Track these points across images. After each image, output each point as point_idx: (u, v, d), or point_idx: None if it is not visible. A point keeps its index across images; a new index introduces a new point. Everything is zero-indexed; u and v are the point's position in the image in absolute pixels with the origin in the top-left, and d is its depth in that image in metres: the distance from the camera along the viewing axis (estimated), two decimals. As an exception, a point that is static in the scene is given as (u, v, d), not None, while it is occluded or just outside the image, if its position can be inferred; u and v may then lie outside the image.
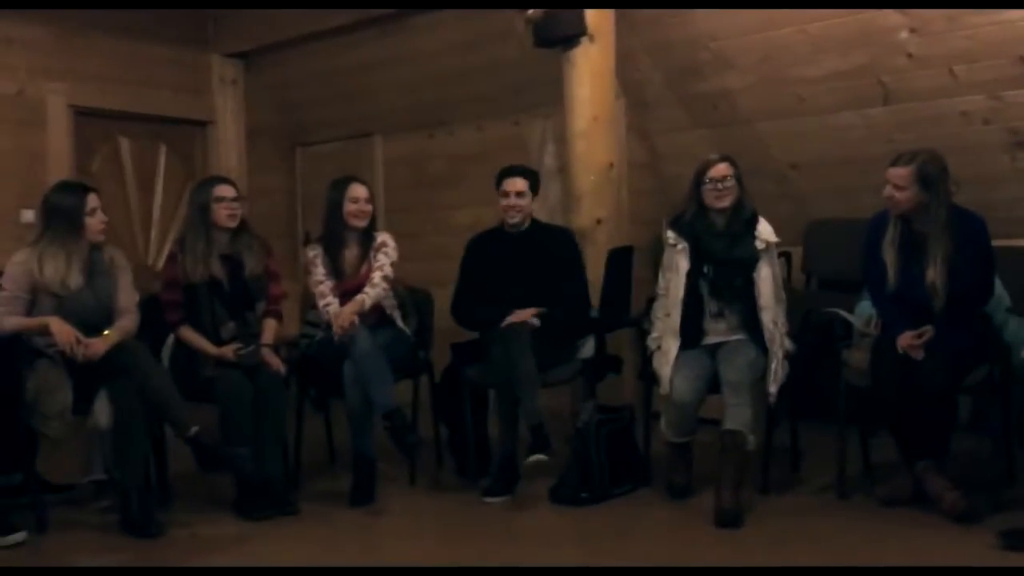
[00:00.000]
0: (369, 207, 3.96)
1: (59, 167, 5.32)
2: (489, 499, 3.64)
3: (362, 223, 3.94)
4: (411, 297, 4.17)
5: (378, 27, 5.61)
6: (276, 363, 3.72)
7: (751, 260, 3.53)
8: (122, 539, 3.31)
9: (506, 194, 3.97)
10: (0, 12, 5.12)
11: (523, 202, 3.96)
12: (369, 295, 3.81)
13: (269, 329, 3.83)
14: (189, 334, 3.72)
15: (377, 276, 3.86)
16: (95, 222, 3.55)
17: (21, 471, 3.56)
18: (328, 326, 3.79)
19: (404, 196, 5.83)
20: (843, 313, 3.63)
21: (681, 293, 3.56)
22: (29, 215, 5.00)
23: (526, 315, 3.77)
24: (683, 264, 3.59)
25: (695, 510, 3.44)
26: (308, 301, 4.28)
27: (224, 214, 3.75)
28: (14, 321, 3.40)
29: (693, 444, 3.63)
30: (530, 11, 4.36)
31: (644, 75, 4.95)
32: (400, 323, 4.02)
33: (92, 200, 3.57)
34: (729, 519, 3.23)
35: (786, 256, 4.47)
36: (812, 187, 4.75)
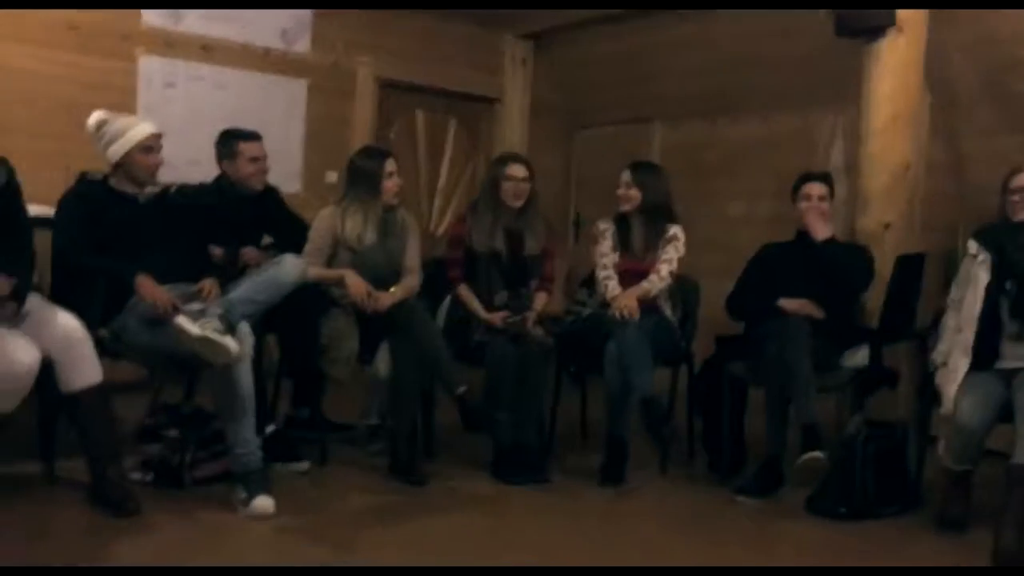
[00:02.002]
0: (631, 192, 3.96)
1: (362, 134, 5.75)
2: (742, 498, 3.56)
3: (625, 206, 3.97)
4: (679, 286, 4.14)
5: (669, 13, 5.56)
6: (540, 331, 3.83)
7: (1062, 278, 3.19)
8: (389, 481, 3.56)
9: (808, 196, 3.86)
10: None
11: (825, 205, 3.86)
12: (655, 285, 3.86)
13: (539, 301, 3.96)
14: (465, 293, 3.91)
15: (664, 269, 3.89)
16: (391, 185, 3.82)
17: (309, 407, 3.93)
18: (602, 300, 3.86)
19: (679, 184, 5.66)
20: None
21: (978, 309, 3.28)
22: (333, 176, 5.48)
23: (804, 306, 3.64)
24: (983, 277, 3.30)
25: (968, 545, 3.16)
26: (576, 280, 4.37)
27: (512, 192, 3.91)
28: (316, 271, 3.73)
29: (974, 474, 3.34)
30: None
31: (956, 72, 4.57)
32: (667, 311, 4.01)
33: (390, 164, 3.83)
34: (1009, 560, 2.94)
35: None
36: None
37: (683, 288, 4.16)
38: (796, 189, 3.93)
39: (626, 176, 3.99)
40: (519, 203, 3.93)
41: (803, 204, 3.87)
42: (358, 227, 3.79)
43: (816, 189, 3.87)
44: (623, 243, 3.98)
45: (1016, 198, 3.30)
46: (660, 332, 3.87)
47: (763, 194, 5.37)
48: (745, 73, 5.36)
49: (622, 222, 4.01)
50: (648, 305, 3.89)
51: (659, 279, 3.88)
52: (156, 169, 3.40)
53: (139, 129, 3.36)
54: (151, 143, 3.36)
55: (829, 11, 4.18)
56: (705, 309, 4.19)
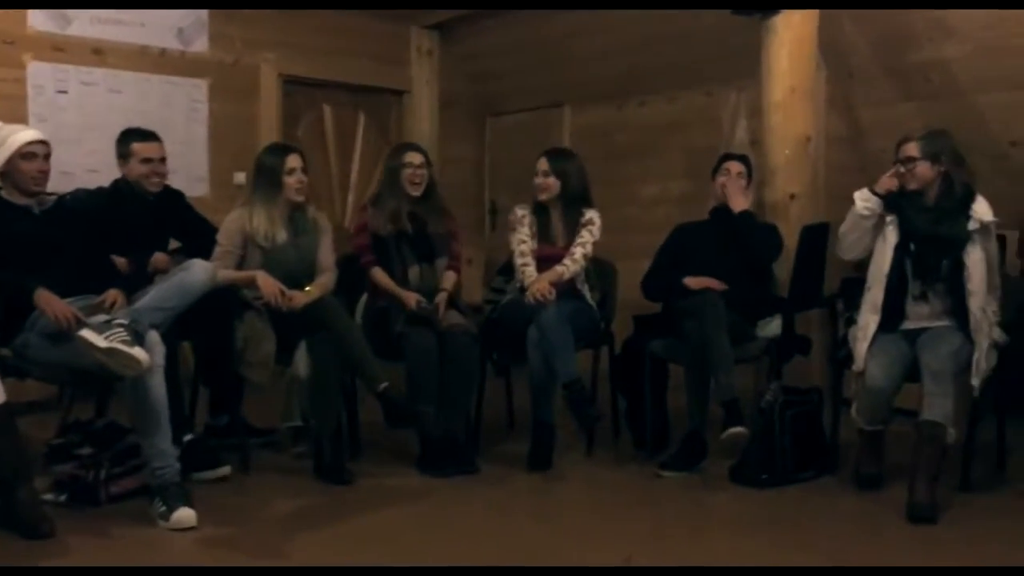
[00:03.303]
0: (549, 180, 3.96)
1: (268, 133, 5.63)
2: (666, 473, 3.61)
3: (542, 196, 3.97)
4: (596, 268, 4.17)
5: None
6: (458, 317, 3.82)
7: (960, 240, 3.30)
8: (315, 483, 3.51)
9: (727, 171, 3.95)
10: (222, -13, 5.48)
11: (743, 182, 3.96)
12: (569, 268, 3.87)
13: (448, 280, 3.96)
14: (380, 275, 3.89)
15: (578, 252, 3.91)
16: (292, 181, 3.75)
17: (228, 413, 3.85)
18: (520, 287, 3.87)
19: (591, 167, 5.68)
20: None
21: (886, 268, 3.38)
22: (241, 177, 5.36)
23: (705, 282, 3.72)
24: (891, 237, 3.40)
25: (885, 503, 3.27)
26: (493, 268, 4.37)
27: (409, 179, 3.90)
28: (226, 273, 3.64)
29: (886, 433, 3.46)
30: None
31: (850, 44, 4.70)
32: (586, 294, 4.04)
33: (291, 160, 3.77)
34: (923, 514, 3.06)
35: (1001, 240, 4.15)
36: (1034, 166, 4.38)
37: (600, 270, 4.19)
38: (716, 168, 4.00)
39: (543, 165, 3.99)
40: (418, 192, 3.93)
41: (722, 177, 3.94)
42: (265, 225, 3.72)
43: (735, 166, 3.96)
44: (541, 230, 3.99)
45: (903, 169, 3.41)
46: (580, 315, 3.90)
47: (674, 174, 5.45)
48: (649, 54, 5.42)
49: (540, 209, 4.02)
50: (568, 288, 3.91)
51: (572, 262, 3.89)
52: (42, 177, 3.27)
53: (19, 136, 3.24)
54: (33, 149, 3.23)
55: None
56: (623, 291, 4.23)
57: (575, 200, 3.99)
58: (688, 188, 5.26)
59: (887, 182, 3.42)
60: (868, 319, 3.41)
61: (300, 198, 3.80)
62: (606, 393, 4.09)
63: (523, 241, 3.96)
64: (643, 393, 3.89)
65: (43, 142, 3.28)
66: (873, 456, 3.46)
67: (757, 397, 3.75)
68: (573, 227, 3.98)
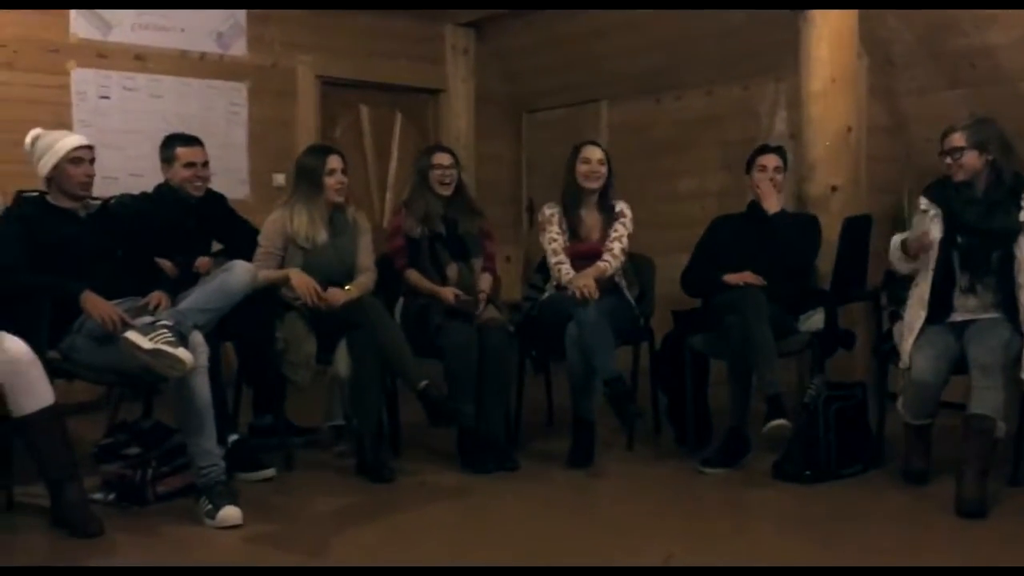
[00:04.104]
0: (602, 168, 3.98)
1: (307, 134, 5.68)
2: (709, 469, 3.58)
3: (594, 184, 3.97)
4: (633, 263, 4.15)
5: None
6: (495, 313, 3.83)
7: (1011, 231, 3.23)
8: (357, 482, 3.53)
9: (763, 168, 3.88)
10: (258, -10, 5.54)
11: (780, 177, 3.89)
12: (611, 264, 3.87)
13: (484, 281, 3.97)
14: (415, 276, 3.90)
15: (617, 247, 3.91)
16: (332, 182, 3.77)
17: (271, 414, 3.88)
18: (557, 285, 3.86)
19: (628, 162, 5.74)
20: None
21: (932, 262, 3.32)
22: (280, 179, 5.42)
23: (745, 278, 3.68)
24: (935, 232, 3.34)
25: (933, 497, 3.22)
26: (531, 265, 4.37)
27: (438, 179, 3.92)
28: (264, 274, 3.66)
29: (933, 427, 3.40)
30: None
31: (891, 33, 4.62)
32: (624, 289, 4.02)
33: (332, 161, 3.79)
34: (972, 509, 3.00)
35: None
36: (1083, 153, 4.27)
37: (638, 265, 4.17)
38: (750, 162, 3.95)
39: (597, 153, 3.98)
40: (447, 192, 3.94)
41: (757, 175, 3.89)
42: (305, 226, 3.75)
43: (771, 160, 3.89)
44: (572, 226, 3.97)
45: (949, 160, 3.34)
46: (619, 311, 3.88)
47: (711, 168, 5.41)
48: (685, 48, 5.39)
49: (569, 205, 4.00)
50: (606, 285, 3.90)
51: (613, 258, 3.89)
52: (88, 181, 3.33)
53: (65, 141, 3.30)
54: (79, 154, 3.29)
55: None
56: (661, 285, 4.21)
57: (608, 191, 3.98)
58: (726, 182, 5.22)
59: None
60: (915, 314, 3.35)
61: (340, 199, 3.82)
62: (646, 389, 4.07)
63: (554, 240, 3.95)
64: (684, 389, 3.86)
65: (88, 147, 3.34)
66: (920, 451, 3.41)
67: (800, 392, 3.71)
68: (607, 219, 3.96)
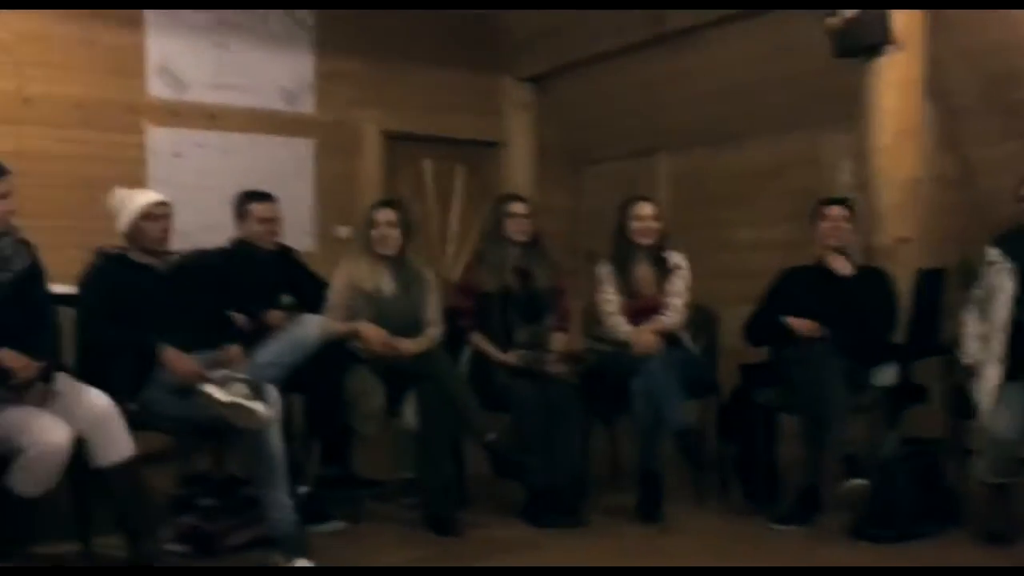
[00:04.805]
0: (655, 224, 3.98)
1: (370, 188, 5.78)
2: (781, 526, 3.51)
3: (648, 240, 3.97)
4: (697, 316, 4.13)
5: (668, 44, 5.61)
6: (563, 370, 3.82)
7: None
8: (425, 534, 3.54)
9: (824, 216, 3.87)
10: (327, 49, 5.69)
11: (847, 227, 3.87)
12: (672, 320, 3.85)
13: (558, 341, 3.96)
14: (479, 340, 3.91)
15: (679, 302, 3.90)
16: (376, 234, 3.83)
17: (339, 465, 3.91)
18: (617, 343, 3.85)
19: (687, 213, 5.78)
20: None
21: (1005, 318, 3.26)
22: (343, 231, 5.52)
23: (812, 326, 3.62)
24: (1008, 285, 3.28)
25: (1016, 559, 3.12)
26: (592, 317, 4.36)
27: (515, 228, 3.93)
28: (334, 326, 3.72)
29: (1015, 487, 3.30)
30: (829, 19, 4.19)
31: (958, 83, 4.59)
32: (687, 342, 4.00)
33: (378, 215, 3.86)
34: (1060, 572, 2.90)
35: None
36: None
37: (702, 317, 4.15)
38: (815, 212, 3.92)
39: (648, 208, 3.99)
40: (524, 239, 3.95)
41: (823, 224, 3.86)
42: (368, 279, 3.80)
43: (836, 211, 3.86)
44: (625, 283, 3.96)
45: (1022, 207, 3.30)
46: (684, 363, 3.86)
47: (774, 219, 5.38)
48: (747, 98, 5.39)
49: (621, 261, 3.99)
50: (668, 338, 3.88)
51: (675, 313, 3.88)
52: (163, 236, 3.42)
53: (140, 199, 3.41)
54: (154, 211, 3.39)
55: (827, 31, 4.21)
56: (725, 338, 4.18)
57: (662, 244, 3.98)
58: (789, 233, 5.17)
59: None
60: (991, 373, 3.28)
61: (388, 251, 3.84)
62: (714, 443, 4.02)
63: (608, 300, 3.95)
64: (752, 443, 3.81)
65: (163, 203, 3.45)
66: (1001, 510, 3.31)
67: (874, 448, 3.64)
68: (661, 273, 3.96)
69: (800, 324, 3.67)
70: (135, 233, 3.39)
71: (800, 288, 3.91)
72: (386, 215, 3.86)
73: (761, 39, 5.12)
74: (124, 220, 3.38)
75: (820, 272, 3.90)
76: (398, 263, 3.87)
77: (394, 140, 6.02)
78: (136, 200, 3.41)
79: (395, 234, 3.84)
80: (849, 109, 4.43)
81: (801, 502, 3.56)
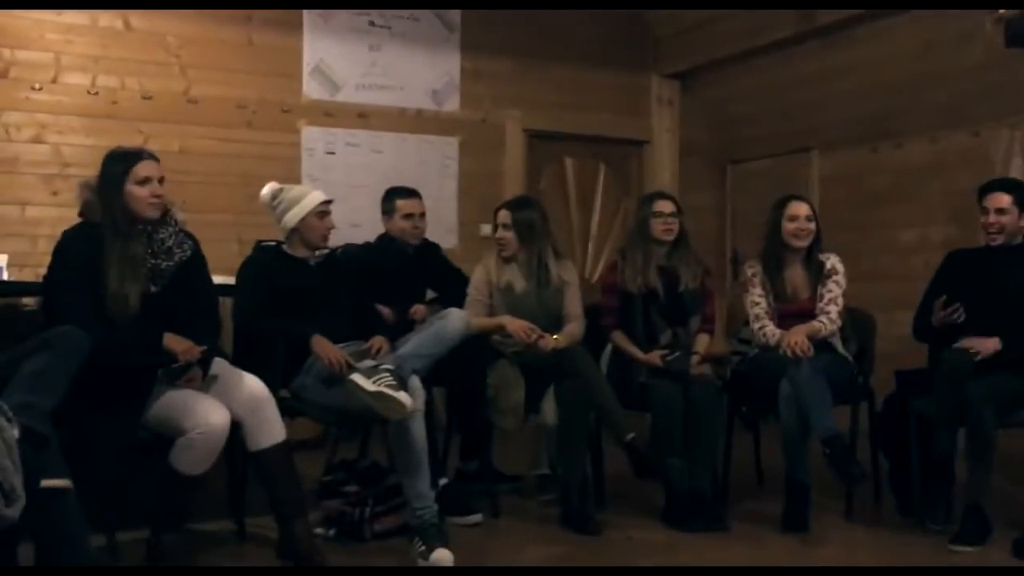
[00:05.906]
0: (810, 225, 3.82)
1: (513, 186, 5.84)
2: (959, 547, 3.27)
3: (802, 243, 3.82)
4: (851, 319, 3.95)
5: (821, 39, 5.43)
6: (705, 373, 3.73)
7: None
8: (563, 532, 3.52)
9: (986, 211, 3.60)
10: (472, 49, 5.77)
11: (1004, 219, 3.56)
12: (826, 327, 3.71)
13: (702, 343, 3.87)
14: (620, 339, 3.86)
15: (834, 310, 3.74)
16: (498, 237, 3.87)
17: (479, 459, 3.95)
18: (764, 347, 3.73)
19: (841, 213, 5.55)
20: None
21: None
22: (486, 228, 5.57)
23: (979, 345, 3.39)
24: None
25: None
26: (737, 318, 4.24)
27: (660, 228, 3.86)
28: (477, 321, 3.76)
29: None
30: (1002, 10, 3.93)
31: None
32: (839, 347, 3.83)
33: (499, 217, 3.88)
34: None
35: None
36: None
37: (857, 320, 3.96)
38: (979, 200, 3.65)
39: (804, 208, 3.83)
40: (669, 238, 3.87)
41: (983, 219, 3.60)
42: (508, 275, 3.83)
43: (999, 199, 3.56)
44: (774, 286, 3.82)
45: None
46: (835, 368, 3.69)
47: (936, 219, 5.10)
48: (907, 94, 5.15)
49: (771, 263, 3.85)
50: (819, 342, 3.72)
51: (830, 322, 3.71)
52: (328, 233, 3.55)
53: (313, 196, 3.53)
54: (324, 208, 3.52)
55: (997, 21, 3.96)
56: (880, 343, 3.98)
57: (815, 246, 3.83)
58: (952, 233, 4.90)
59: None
60: None
61: (504, 253, 3.85)
62: (866, 452, 3.83)
63: (756, 303, 3.81)
64: (908, 454, 3.61)
65: (330, 201, 3.57)
66: None
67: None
68: (814, 276, 3.80)
69: (976, 345, 3.42)
70: (303, 228, 3.50)
71: (965, 274, 3.64)
72: (503, 217, 3.88)
73: (920, 34, 4.91)
74: (294, 216, 3.48)
75: (988, 252, 3.62)
76: (530, 261, 3.86)
77: (537, 138, 6.06)
78: (308, 197, 3.52)
79: (508, 236, 3.84)
80: (1019, 102, 4.15)
81: (969, 520, 3.32)
